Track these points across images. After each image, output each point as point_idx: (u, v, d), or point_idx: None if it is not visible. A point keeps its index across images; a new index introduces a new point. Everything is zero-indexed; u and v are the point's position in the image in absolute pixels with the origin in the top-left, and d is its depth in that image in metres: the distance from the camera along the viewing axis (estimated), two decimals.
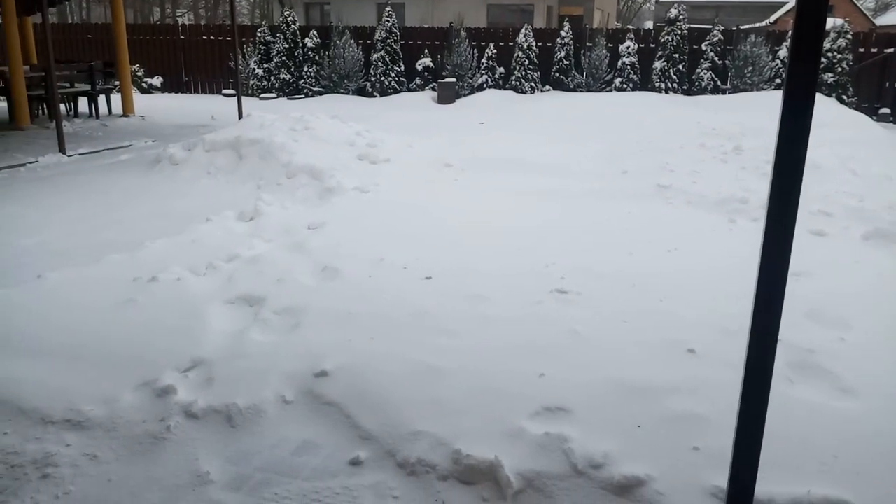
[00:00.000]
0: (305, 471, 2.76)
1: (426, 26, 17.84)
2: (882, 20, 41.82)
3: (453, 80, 15.25)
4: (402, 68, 16.29)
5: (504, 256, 5.06)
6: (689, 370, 3.40)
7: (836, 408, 3.12)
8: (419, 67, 16.23)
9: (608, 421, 3.00)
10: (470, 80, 15.62)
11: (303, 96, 16.55)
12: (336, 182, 6.97)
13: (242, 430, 2.99)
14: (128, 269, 4.67)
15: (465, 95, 15.36)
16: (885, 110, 13.53)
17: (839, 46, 13.29)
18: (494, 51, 15.72)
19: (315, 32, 16.93)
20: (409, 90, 16.29)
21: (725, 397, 2.91)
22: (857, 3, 43.20)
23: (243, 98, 12.96)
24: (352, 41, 16.25)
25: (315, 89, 16.56)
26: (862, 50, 13.82)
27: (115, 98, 13.86)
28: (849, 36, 13.45)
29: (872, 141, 9.70)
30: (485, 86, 15.61)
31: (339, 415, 3.09)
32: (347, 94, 16.29)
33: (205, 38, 18.44)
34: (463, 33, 15.75)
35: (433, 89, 15.91)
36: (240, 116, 11.14)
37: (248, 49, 17.27)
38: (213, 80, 18.30)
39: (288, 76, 16.66)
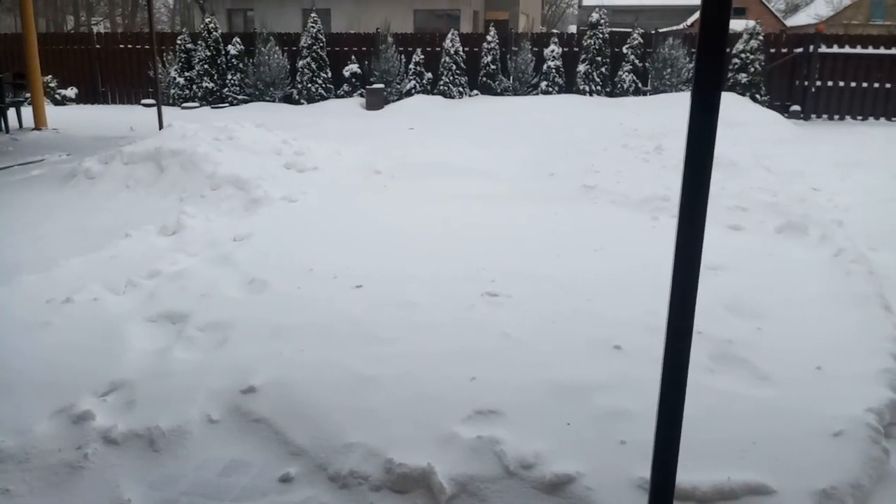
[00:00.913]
0: (234, 491, 2.68)
1: (353, 32, 17.74)
2: (791, 21, 44.04)
3: (381, 86, 15.21)
4: (330, 75, 16.14)
5: (435, 262, 5.07)
6: (616, 367, 3.48)
7: (754, 396, 3.24)
8: (346, 74, 16.11)
9: (539, 421, 3.03)
10: (398, 86, 15.61)
11: (227, 105, 16.19)
12: (263, 192, 6.84)
13: (166, 453, 2.88)
14: (41, 290, 4.45)
15: (393, 101, 15.34)
16: (796, 108, 14.22)
17: (752, 47, 13.91)
18: (422, 56, 15.76)
19: (238, 39, 16.60)
20: (337, 97, 16.15)
21: (650, 391, 2.96)
22: (768, 5, 45.35)
23: (164, 108, 12.58)
24: (277, 48, 16.00)
25: (240, 97, 16.23)
26: (773, 50, 14.49)
27: (27, 111, 13.23)
28: (760, 37, 14.08)
29: (785, 138, 10.19)
30: (413, 91, 15.63)
31: (269, 431, 3.02)
32: (274, 101, 16.02)
33: (122, 46, 17.82)
34: (390, 39, 15.73)
35: (361, 95, 15.82)
36: (160, 127, 10.81)
37: (169, 57, 16.79)
38: (131, 90, 17.70)
39: (211, 84, 16.28)
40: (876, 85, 14.06)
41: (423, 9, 24.53)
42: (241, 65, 16.32)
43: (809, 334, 3.86)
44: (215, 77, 16.36)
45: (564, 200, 6.90)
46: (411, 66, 15.78)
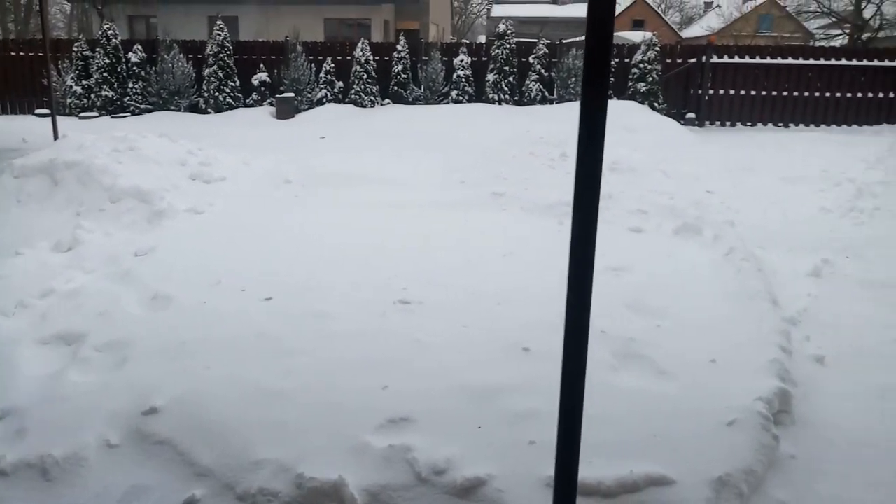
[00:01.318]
0: None
1: (261, 40, 17.39)
2: (687, 33, 46.36)
3: (292, 94, 14.98)
4: (238, 83, 15.76)
5: (347, 271, 5.04)
6: (525, 368, 3.56)
7: (655, 390, 3.39)
8: (255, 82, 15.78)
9: (451, 426, 3.06)
10: (309, 95, 15.42)
11: (129, 114, 15.53)
12: (167, 204, 6.60)
13: (60, 482, 2.74)
14: None
15: (304, 110, 15.13)
16: (691, 115, 14.97)
17: (649, 58, 14.55)
18: (332, 65, 15.63)
19: (140, 47, 15.96)
20: (246, 106, 15.78)
21: (557, 391, 3.08)
22: (665, 17, 47.60)
23: (61, 118, 11.93)
24: (181, 55, 15.49)
25: (143, 107, 15.60)
26: (669, 61, 15.20)
27: None
28: (657, 48, 14.75)
29: (681, 144, 10.71)
30: (324, 100, 15.47)
31: (173, 452, 2.92)
32: (179, 110, 15.49)
33: (13, 53, 16.79)
34: (299, 47, 15.52)
35: (271, 104, 15.53)
36: (55, 137, 10.24)
37: (65, 65, 15.95)
38: (24, 99, 16.70)
39: (111, 93, 15.57)
40: (764, 93, 14.99)
41: (333, 17, 24.35)
42: (143, 73, 15.70)
43: (705, 330, 4.07)
44: (115, 85, 15.66)
45: (475, 208, 7.00)
46: (322, 74, 15.62)
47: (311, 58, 15.83)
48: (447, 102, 15.24)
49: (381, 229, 6.20)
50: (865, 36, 25.09)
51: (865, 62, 14.88)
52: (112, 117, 15.32)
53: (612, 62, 14.94)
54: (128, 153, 7.64)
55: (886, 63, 14.76)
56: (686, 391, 3.38)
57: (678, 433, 3.01)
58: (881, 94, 14.76)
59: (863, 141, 12.01)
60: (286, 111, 14.63)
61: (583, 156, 1.74)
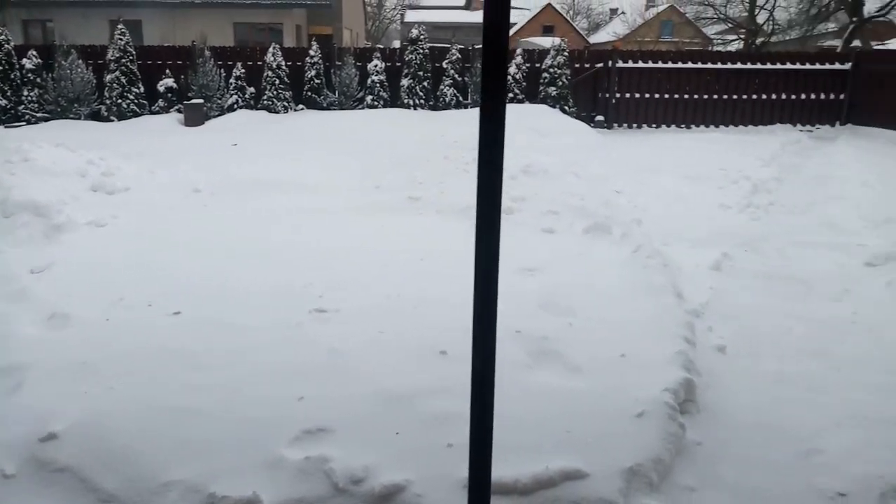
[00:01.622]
0: None
1: (167, 45, 16.78)
2: (594, 38, 47.87)
3: (201, 101, 14.52)
4: (143, 90, 15.13)
5: (261, 281, 4.93)
6: (442, 371, 3.57)
7: (568, 386, 3.47)
8: (161, 89, 15.19)
9: (369, 434, 3.04)
10: (219, 101, 14.99)
11: (24, 123, 14.65)
12: (66, 217, 6.27)
13: None
14: None
15: (214, 117, 14.69)
16: (600, 118, 15.45)
17: (558, 63, 14.92)
18: (243, 70, 15.25)
19: (35, 52, 15.08)
20: (153, 113, 15.18)
21: None
22: (573, 24, 48.98)
23: None
24: (80, 61, 14.74)
25: (39, 115, 14.76)
26: (577, 65, 15.63)
27: None
28: (566, 53, 15.14)
29: (591, 145, 11.03)
30: (235, 106, 15.08)
31: (74, 479, 2.77)
32: (79, 118, 14.73)
33: None
34: (207, 52, 15.06)
35: (179, 111, 14.99)
36: None
37: None
38: None
39: (4, 101, 14.66)
40: (667, 96, 15.63)
41: (243, 22, 23.79)
42: (39, 80, 14.85)
43: (614, 325, 4.21)
44: (9, 93, 14.75)
45: (391, 212, 6.98)
46: (232, 80, 15.22)
47: (220, 63, 15.40)
48: (362, 108, 15.15)
49: (297, 237, 6.10)
50: (759, 40, 26.62)
51: (759, 65, 15.76)
52: (5, 127, 14.43)
53: (524, 67, 15.24)
54: (21, 164, 7.21)
55: (778, 66, 15.67)
56: (598, 386, 3.48)
57: (591, 427, 3.09)
58: (774, 96, 15.66)
59: (758, 140, 12.71)
60: (195, 118, 14.16)
61: (484, 161, 1.76)
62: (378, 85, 15.14)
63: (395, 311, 4.41)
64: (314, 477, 2.74)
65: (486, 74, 1.74)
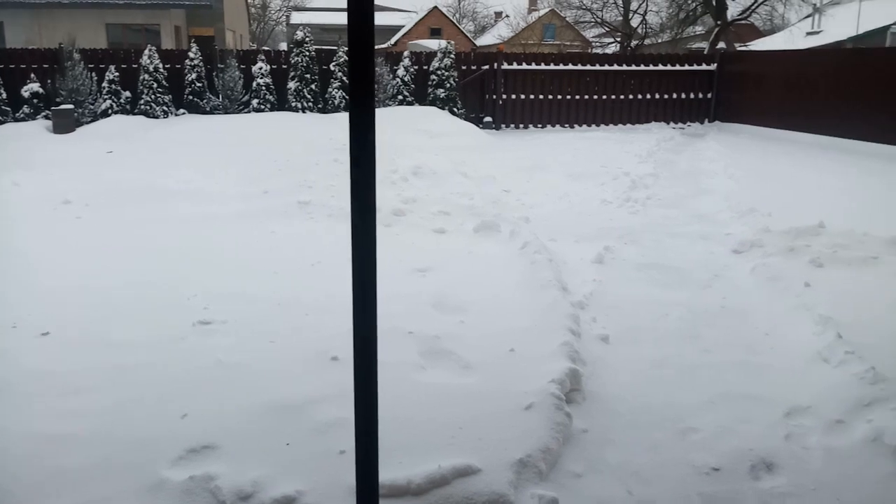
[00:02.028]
0: None
1: (32, 48, 15.65)
2: (481, 41, 48.79)
3: (71, 106, 13.62)
4: (5, 96, 14.04)
5: (141, 295, 4.69)
6: (334, 377, 3.52)
7: (460, 384, 3.52)
8: (26, 94, 14.14)
9: (258, 446, 2.96)
10: (91, 106, 14.12)
11: None
12: None
13: None
14: None
15: (87, 123, 13.83)
16: (488, 119, 15.78)
17: (446, 65, 15.11)
18: (117, 73, 14.44)
19: None
20: (17, 120, 14.10)
21: None
22: (460, 26, 49.72)
23: None
24: None
25: None
26: (465, 67, 15.90)
27: None
28: (453, 56, 15.36)
29: (479, 146, 11.23)
30: (110, 111, 14.26)
31: None
32: None
33: None
34: (77, 55, 14.16)
35: (47, 118, 14.00)
36: None
37: None
38: None
39: None
40: (550, 96, 16.18)
41: (116, 23, 22.56)
42: None
43: (504, 321, 4.31)
44: None
45: (281, 217, 6.83)
46: (105, 84, 14.38)
47: (91, 66, 14.52)
48: (248, 111, 14.72)
49: (180, 246, 5.85)
50: (634, 43, 28.02)
51: (634, 67, 16.59)
52: None
53: (413, 69, 15.31)
54: None
55: (651, 67, 16.56)
56: (488, 382, 3.55)
57: (482, 423, 3.15)
58: (649, 96, 16.53)
59: (636, 138, 13.38)
60: (65, 125, 13.27)
61: (356, 162, 1.75)
62: (264, 88, 14.77)
63: (286, 318, 4.32)
64: (199, 497, 2.64)
65: (354, 79, 1.73)
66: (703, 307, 4.80)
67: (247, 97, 14.93)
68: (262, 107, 14.72)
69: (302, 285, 4.92)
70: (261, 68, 14.84)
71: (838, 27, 34.28)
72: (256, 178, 8.26)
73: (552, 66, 16.19)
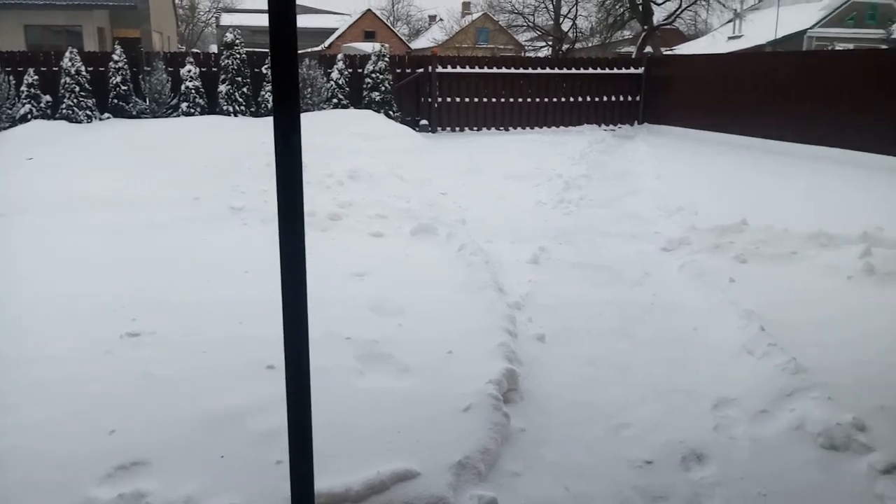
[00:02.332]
0: None
1: None
2: (416, 44, 48.87)
3: None
4: None
5: (65, 306, 4.50)
6: (270, 386, 3.44)
7: (398, 388, 3.51)
8: None
9: (191, 460, 2.88)
10: (9, 111, 13.48)
11: None
12: None
13: None
14: None
15: (4, 129, 13.19)
16: (424, 122, 15.81)
17: (380, 68, 15.06)
18: (36, 77, 13.83)
19: None
20: None
21: None
22: (394, 29, 49.68)
23: None
24: None
25: None
26: (399, 71, 15.89)
27: None
28: (387, 59, 15.32)
29: (416, 149, 11.25)
30: (29, 116, 13.63)
31: None
32: None
33: None
34: None
35: None
36: None
37: None
38: None
39: None
40: (485, 99, 16.32)
41: (35, 24, 21.61)
42: None
43: (441, 323, 4.32)
44: None
45: (212, 224, 6.67)
46: (24, 88, 13.76)
47: (8, 69, 13.87)
48: (177, 115, 14.32)
49: (105, 255, 5.64)
50: (565, 47, 28.58)
51: (566, 70, 16.91)
52: None
53: (347, 73, 15.19)
54: None
55: (583, 71, 16.92)
56: (426, 384, 3.55)
57: (421, 426, 3.15)
58: (581, 98, 16.88)
59: (569, 140, 13.64)
60: None
61: (282, 168, 1.73)
62: (193, 91, 14.40)
63: (219, 327, 4.22)
64: None
65: (277, 81, 1.71)
66: (634, 304, 4.93)
67: (175, 101, 14.53)
68: (192, 110, 14.35)
69: (235, 293, 4.81)
70: (189, 71, 14.47)
71: (758, 32, 35.88)
72: (186, 184, 8.05)
73: (486, 70, 16.34)
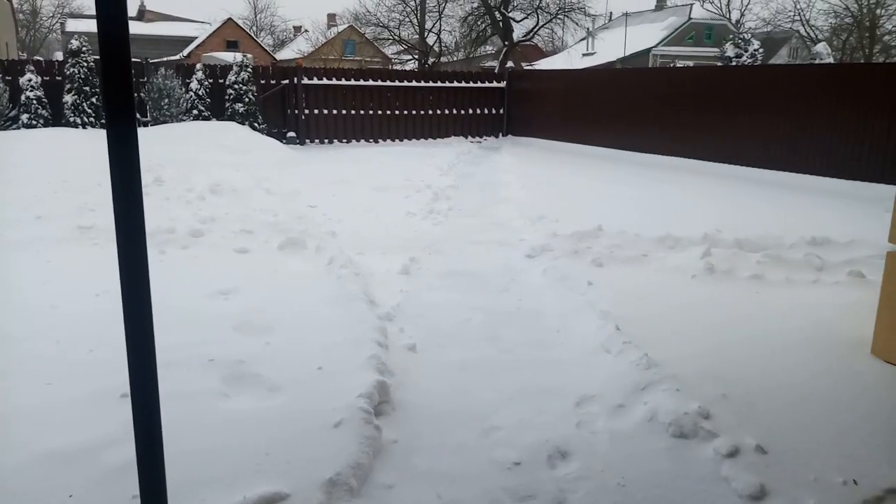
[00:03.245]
0: None
1: None
2: (281, 55, 47.89)
3: None
4: None
5: None
6: (123, 416, 3.19)
7: (267, 408, 3.40)
8: None
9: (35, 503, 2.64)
10: None
11: None
12: None
13: None
14: None
15: None
16: (292, 134, 15.52)
17: (243, 79, 14.63)
18: None
19: None
20: None
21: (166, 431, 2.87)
22: (258, 40, 48.42)
23: None
24: None
25: None
26: (264, 82, 15.51)
27: None
28: (250, 69, 14.91)
29: (283, 161, 11.00)
30: None
31: None
32: None
33: None
34: None
35: None
36: None
37: None
38: None
39: None
40: (353, 112, 16.29)
41: None
42: None
43: (311, 338, 4.24)
44: None
45: (58, 245, 6.18)
46: None
47: None
48: (17, 128, 13.19)
49: None
50: (431, 61, 29.06)
51: (432, 83, 17.22)
52: None
53: (207, 83, 14.63)
54: None
55: (448, 84, 17.30)
56: (297, 402, 3.47)
57: (290, 445, 3.06)
58: (447, 111, 17.25)
59: (437, 152, 13.88)
60: None
61: (118, 181, 1.63)
62: (35, 102, 13.34)
63: (65, 357, 3.91)
64: None
65: (109, 93, 1.61)
66: (501, 309, 5.07)
67: (15, 112, 13.38)
68: (35, 122, 13.28)
69: (85, 318, 4.48)
70: (30, 80, 13.39)
71: (609, 49, 38.28)
72: (27, 202, 7.41)
73: (353, 82, 16.32)
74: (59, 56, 37.44)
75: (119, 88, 1.57)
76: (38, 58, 27.77)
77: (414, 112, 16.90)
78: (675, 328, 4.59)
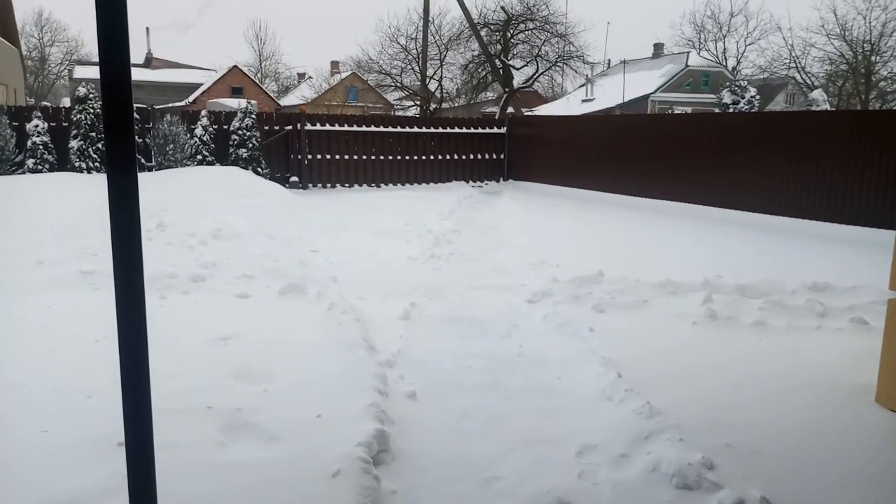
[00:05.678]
0: None
1: None
2: (285, 101, 48.65)
3: None
4: None
5: None
6: (119, 465, 3.17)
7: (264, 458, 3.35)
8: None
9: None
10: None
11: None
12: None
13: None
14: None
15: None
16: (295, 178, 15.66)
17: (247, 125, 14.84)
18: None
19: None
20: None
21: (161, 481, 2.83)
22: (262, 86, 49.25)
23: None
24: None
25: None
26: (267, 127, 15.73)
27: None
28: (254, 115, 15.13)
29: (285, 206, 11.08)
30: None
31: None
32: None
33: None
34: None
35: None
36: None
37: None
38: None
39: None
40: (356, 157, 16.47)
41: None
42: None
43: (310, 386, 4.20)
44: None
45: (59, 289, 6.17)
46: None
47: None
48: (22, 172, 13.33)
49: None
50: (433, 107, 29.47)
51: (434, 130, 17.45)
52: None
53: (212, 129, 14.84)
54: None
55: (450, 130, 17.53)
56: (295, 452, 3.42)
57: (286, 497, 3.01)
58: (449, 156, 17.44)
59: (438, 196, 13.98)
60: None
61: (118, 231, 1.64)
62: (41, 147, 13.51)
63: (63, 403, 3.87)
64: None
65: (111, 140, 1.63)
66: (502, 356, 5.04)
67: (21, 157, 13.54)
68: (40, 167, 13.43)
69: (84, 364, 4.46)
70: (37, 126, 13.58)
71: (608, 95, 38.86)
72: (29, 246, 7.44)
73: (356, 128, 16.54)
74: (66, 102, 38.06)
75: (120, 137, 1.60)
76: (46, 103, 28.22)
77: (416, 157, 17.09)
78: (677, 375, 4.55)
